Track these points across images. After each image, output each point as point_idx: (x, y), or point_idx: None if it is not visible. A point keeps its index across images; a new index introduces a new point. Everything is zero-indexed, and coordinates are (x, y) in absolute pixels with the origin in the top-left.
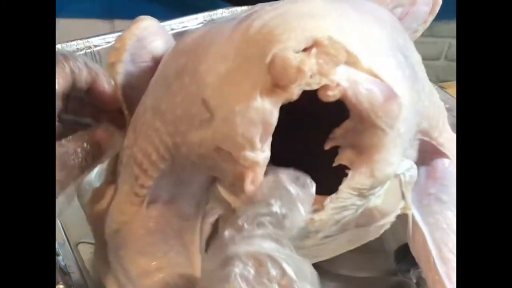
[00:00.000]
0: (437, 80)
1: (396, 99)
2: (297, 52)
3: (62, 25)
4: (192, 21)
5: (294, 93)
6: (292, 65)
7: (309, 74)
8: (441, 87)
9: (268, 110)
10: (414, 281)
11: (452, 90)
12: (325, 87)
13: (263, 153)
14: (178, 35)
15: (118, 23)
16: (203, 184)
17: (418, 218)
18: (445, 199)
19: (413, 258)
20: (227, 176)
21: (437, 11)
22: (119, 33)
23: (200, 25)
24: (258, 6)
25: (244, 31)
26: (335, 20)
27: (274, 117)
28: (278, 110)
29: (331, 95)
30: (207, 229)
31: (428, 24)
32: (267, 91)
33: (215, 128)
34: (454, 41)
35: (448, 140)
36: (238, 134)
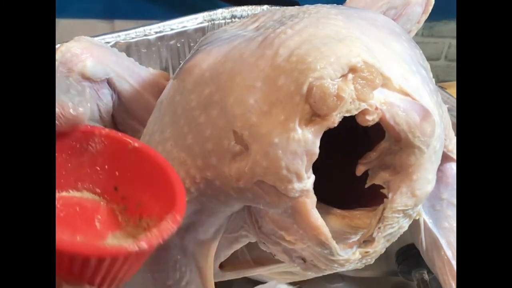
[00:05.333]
0: (437, 80)
1: (430, 117)
2: (332, 79)
3: (62, 25)
4: (192, 21)
5: (335, 120)
6: (331, 93)
7: (349, 100)
8: (441, 87)
9: (310, 140)
10: (415, 282)
11: (452, 90)
12: (363, 111)
13: (309, 179)
14: (178, 35)
15: (118, 23)
16: (228, 213)
17: (430, 223)
18: None
19: (414, 259)
20: (272, 207)
21: (430, 11)
22: (119, 33)
23: (200, 25)
24: (268, 16)
25: (270, 59)
26: (363, 42)
27: (317, 146)
28: (319, 138)
29: (370, 119)
30: (228, 254)
31: (421, 24)
32: (306, 121)
33: (253, 161)
34: (454, 41)
35: (452, 141)
36: (281, 168)
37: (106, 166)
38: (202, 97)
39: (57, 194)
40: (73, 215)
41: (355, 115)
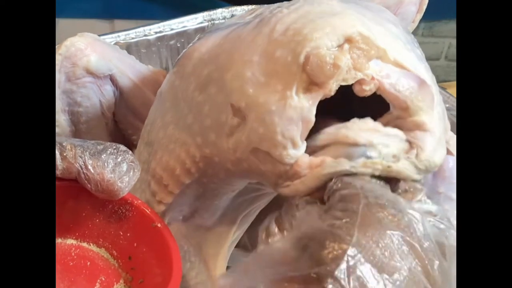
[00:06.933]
0: (437, 80)
1: (426, 84)
2: (329, 49)
3: (62, 25)
4: (192, 21)
5: (332, 89)
6: (327, 62)
7: (345, 69)
8: (441, 87)
9: (306, 107)
10: None
11: (452, 90)
12: (360, 81)
13: (303, 145)
14: (178, 35)
15: (118, 23)
16: (230, 194)
17: None
18: (455, 197)
19: None
20: (267, 178)
21: (424, 10)
22: (119, 33)
23: (200, 25)
24: (265, 7)
25: (267, 35)
26: (358, 17)
27: (313, 113)
28: (315, 106)
29: (367, 89)
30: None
31: (416, 23)
32: (304, 89)
33: (250, 130)
34: (454, 41)
35: (452, 137)
36: (277, 133)
37: (128, 234)
38: (201, 77)
39: (77, 243)
40: (80, 267)
41: (352, 86)
